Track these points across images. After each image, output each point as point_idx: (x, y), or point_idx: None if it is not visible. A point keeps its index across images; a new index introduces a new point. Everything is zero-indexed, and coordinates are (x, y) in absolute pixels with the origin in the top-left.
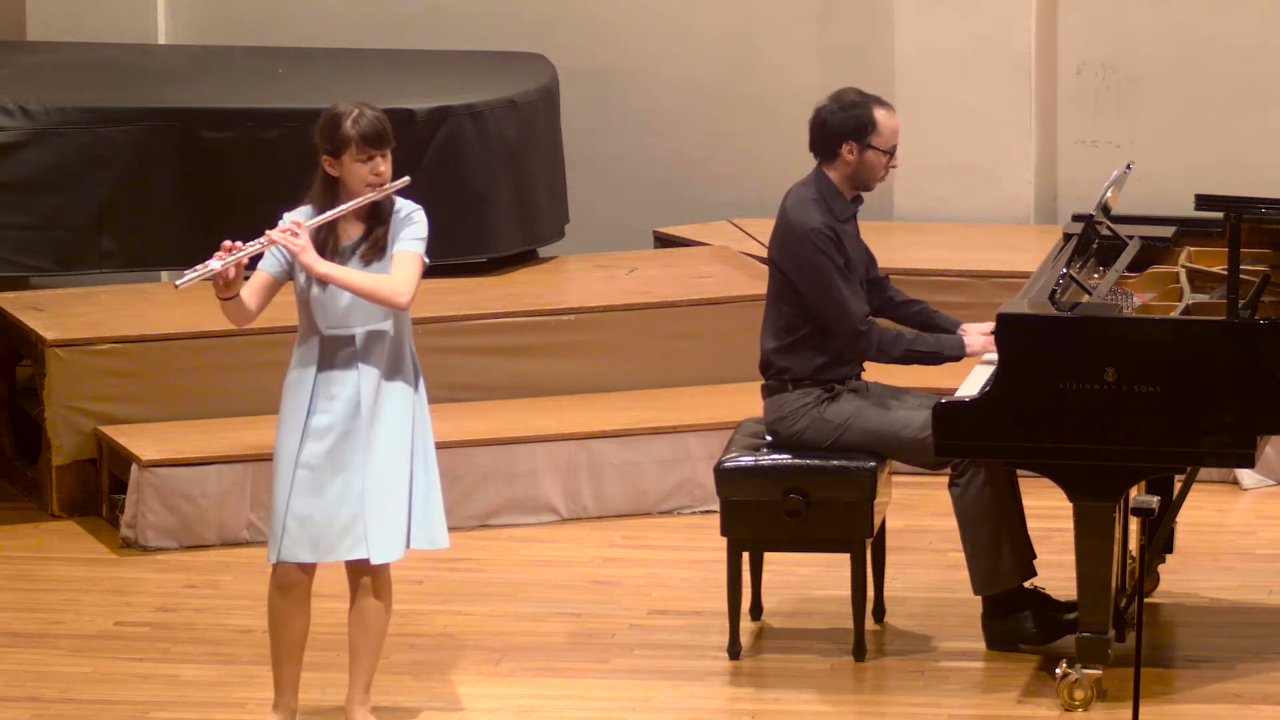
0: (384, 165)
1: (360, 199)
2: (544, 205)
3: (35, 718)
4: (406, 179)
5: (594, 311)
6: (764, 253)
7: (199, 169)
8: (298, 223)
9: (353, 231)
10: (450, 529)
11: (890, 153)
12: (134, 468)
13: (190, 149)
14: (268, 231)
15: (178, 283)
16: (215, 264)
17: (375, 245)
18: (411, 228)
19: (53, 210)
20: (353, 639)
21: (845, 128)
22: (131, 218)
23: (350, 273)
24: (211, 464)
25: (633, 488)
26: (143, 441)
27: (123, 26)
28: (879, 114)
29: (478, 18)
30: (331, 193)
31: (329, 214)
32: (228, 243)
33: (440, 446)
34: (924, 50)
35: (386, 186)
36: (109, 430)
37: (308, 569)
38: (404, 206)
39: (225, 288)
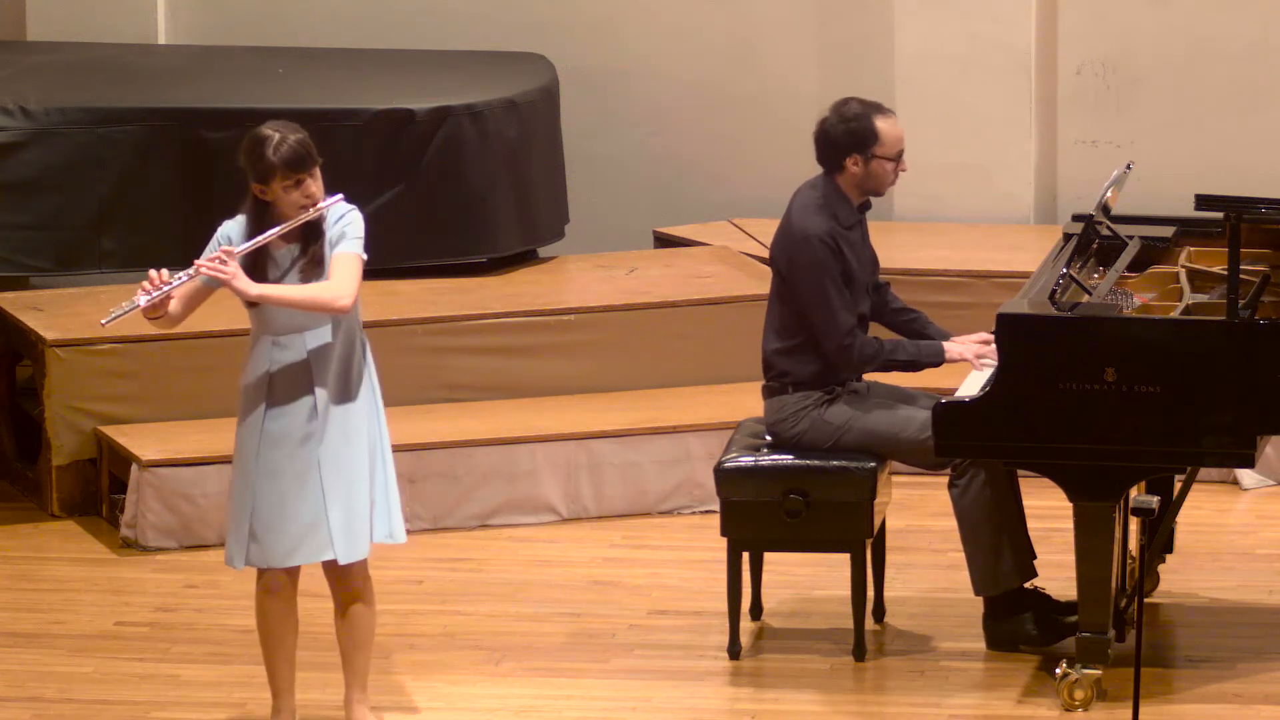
0: (314, 186)
1: (291, 222)
2: (544, 205)
3: (35, 718)
4: (339, 197)
5: (594, 311)
6: (764, 253)
7: (199, 169)
8: (227, 250)
9: (289, 247)
10: (450, 529)
11: (896, 158)
12: (134, 468)
13: (190, 149)
14: (196, 262)
15: (104, 321)
16: (141, 300)
17: (313, 259)
18: (349, 228)
19: (53, 210)
20: (341, 642)
21: (847, 142)
22: (131, 218)
23: (286, 289)
24: (211, 464)
25: (633, 488)
26: (143, 441)
27: (123, 26)
28: (880, 124)
29: (478, 18)
30: (262, 215)
31: (260, 239)
32: (154, 274)
33: (440, 446)
34: (924, 50)
35: (317, 208)
36: (109, 430)
37: (292, 572)
38: (334, 212)
39: (152, 310)
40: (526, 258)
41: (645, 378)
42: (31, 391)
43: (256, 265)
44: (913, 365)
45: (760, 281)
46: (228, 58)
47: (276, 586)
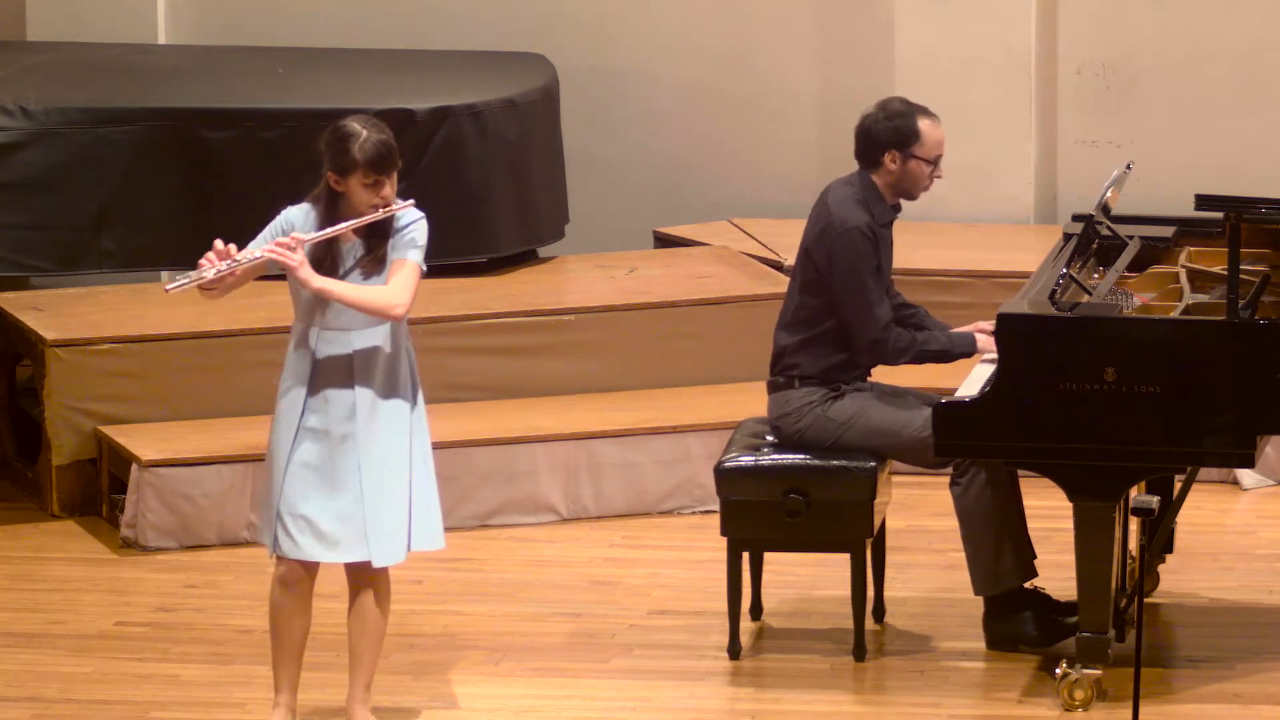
0: (389, 188)
1: (362, 219)
2: (544, 205)
3: (35, 718)
4: (410, 202)
5: (594, 311)
6: (765, 253)
7: (199, 169)
8: (296, 237)
9: (354, 244)
10: (450, 529)
11: (934, 162)
12: (134, 468)
13: (190, 149)
14: (264, 246)
15: (169, 287)
16: (209, 273)
17: (375, 258)
18: (411, 238)
19: (53, 210)
20: (352, 639)
21: (888, 137)
22: (131, 218)
23: (345, 287)
24: (211, 464)
25: (633, 488)
26: (143, 441)
27: (123, 26)
28: (923, 124)
29: (478, 18)
30: (335, 206)
31: (329, 231)
32: (220, 244)
33: (440, 446)
34: (924, 50)
35: (389, 208)
36: (109, 430)
37: (311, 568)
38: (404, 216)
39: (210, 284)
40: (526, 258)
41: (645, 378)
42: (31, 391)
43: (325, 257)
44: (945, 355)
45: (760, 281)
46: (228, 58)
47: (293, 581)
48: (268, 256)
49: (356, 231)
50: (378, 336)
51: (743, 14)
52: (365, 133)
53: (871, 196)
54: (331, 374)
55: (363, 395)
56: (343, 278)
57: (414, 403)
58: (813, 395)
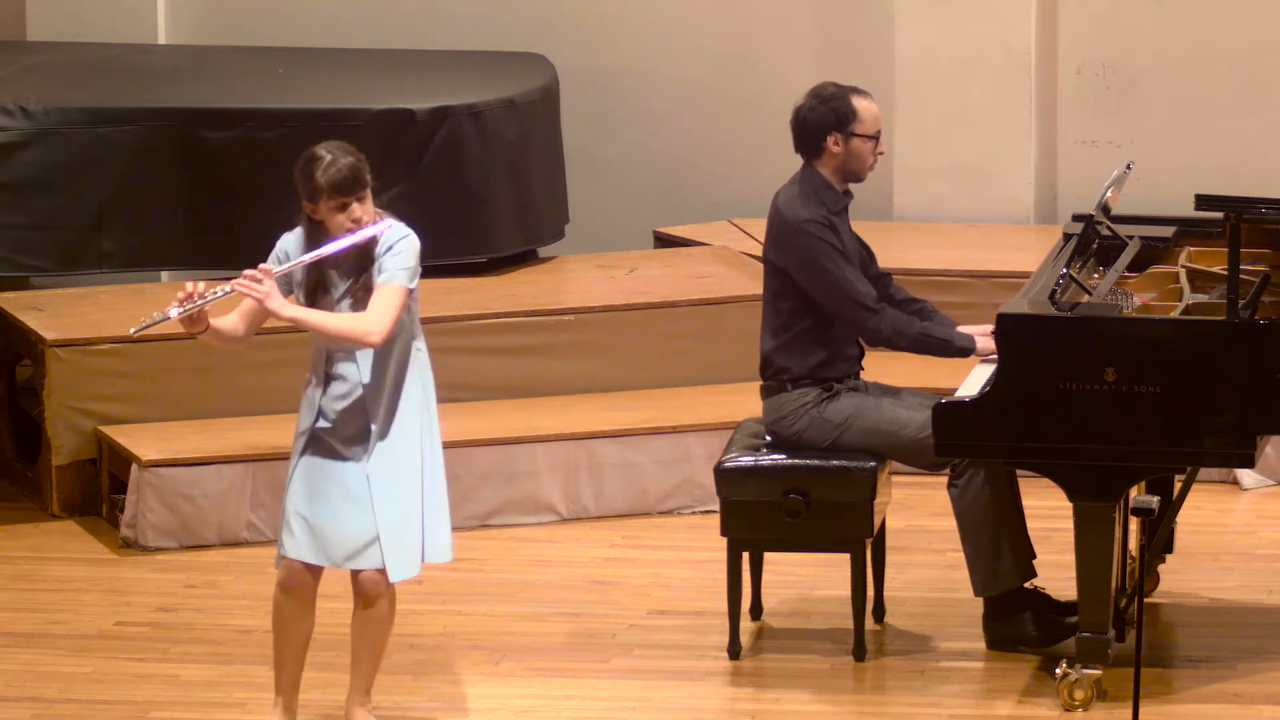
0: (359, 210)
1: (330, 246)
2: (544, 205)
3: (35, 718)
4: (385, 224)
5: (594, 311)
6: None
7: (199, 169)
8: (264, 268)
9: (343, 271)
10: (451, 529)
11: (875, 138)
12: (134, 468)
13: (190, 149)
14: (232, 281)
15: (133, 330)
16: (172, 313)
17: (364, 286)
18: (396, 258)
19: (53, 210)
20: (355, 642)
21: (827, 121)
22: (131, 218)
23: (320, 316)
24: (211, 464)
25: (633, 488)
26: (143, 441)
27: (123, 26)
28: (858, 102)
29: (478, 18)
30: (315, 235)
31: (298, 261)
32: (190, 285)
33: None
34: (924, 50)
35: (355, 236)
36: (109, 430)
37: (315, 571)
38: (389, 236)
39: (191, 324)
40: (526, 258)
41: (645, 378)
42: (31, 391)
43: (317, 286)
44: (947, 345)
45: (760, 281)
46: (228, 58)
47: (294, 584)
48: (234, 290)
49: (345, 259)
50: (387, 351)
51: (743, 14)
52: (329, 156)
53: (820, 187)
54: (341, 386)
55: (372, 406)
56: (335, 306)
57: (426, 412)
58: (807, 396)
